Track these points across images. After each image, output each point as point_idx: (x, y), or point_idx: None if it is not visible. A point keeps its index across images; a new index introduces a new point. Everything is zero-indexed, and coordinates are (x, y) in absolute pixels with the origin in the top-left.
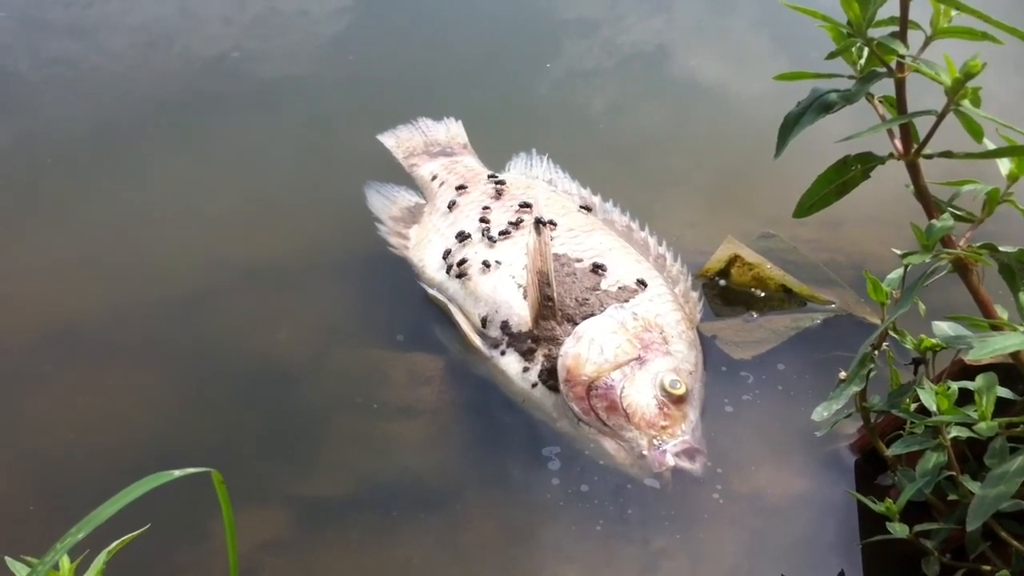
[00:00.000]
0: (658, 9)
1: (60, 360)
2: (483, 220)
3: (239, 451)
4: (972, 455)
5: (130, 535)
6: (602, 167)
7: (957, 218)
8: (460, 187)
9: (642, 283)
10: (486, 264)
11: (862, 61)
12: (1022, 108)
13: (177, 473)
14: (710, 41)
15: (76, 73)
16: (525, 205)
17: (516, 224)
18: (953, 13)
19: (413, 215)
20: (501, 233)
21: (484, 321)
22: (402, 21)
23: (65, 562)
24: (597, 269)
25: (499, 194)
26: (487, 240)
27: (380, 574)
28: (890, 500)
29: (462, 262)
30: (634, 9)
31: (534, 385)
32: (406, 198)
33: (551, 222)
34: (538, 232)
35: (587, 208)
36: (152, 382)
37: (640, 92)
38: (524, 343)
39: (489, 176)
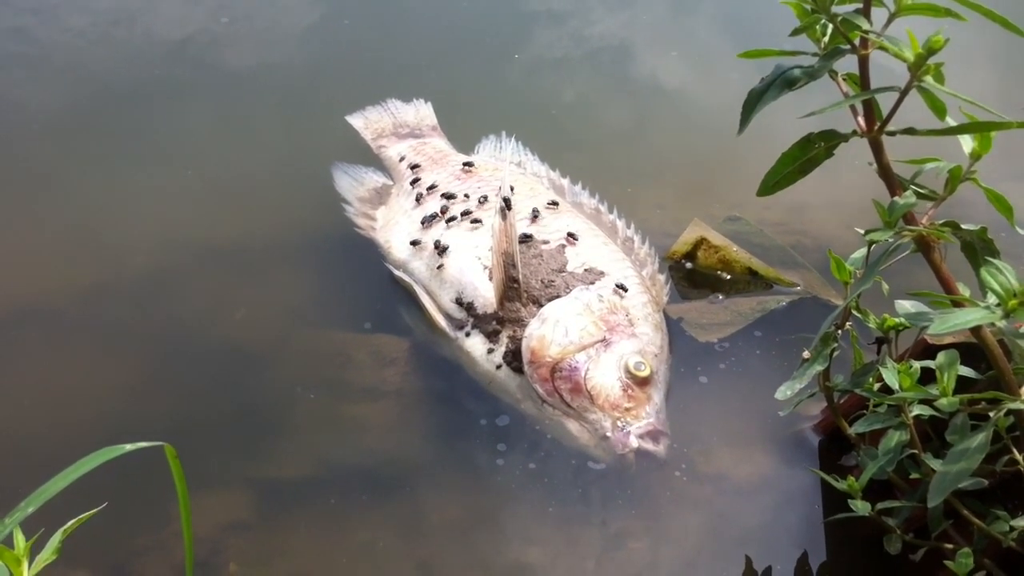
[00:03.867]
0: (625, 4)
1: (19, 339)
2: (447, 197)
3: (201, 433)
4: (935, 434)
5: (86, 514)
6: (571, 152)
7: (920, 196)
8: (414, 166)
9: (622, 287)
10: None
11: (826, 38)
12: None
13: (128, 447)
14: (677, 33)
15: (39, 54)
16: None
17: (481, 202)
18: None
19: (380, 196)
20: (463, 213)
21: (459, 300)
22: (372, 5)
23: (20, 540)
24: (570, 237)
25: (467, 175)
26: (450, 221)
27: (344, 556)
28: (852, 478)
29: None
30: (602, 3)
31: (499, 367)
32: (374, 179)
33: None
34: (503, 213)
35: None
36: (114, 363)
37: (609, 79)
38: (489, 324)
39: (464, 164)
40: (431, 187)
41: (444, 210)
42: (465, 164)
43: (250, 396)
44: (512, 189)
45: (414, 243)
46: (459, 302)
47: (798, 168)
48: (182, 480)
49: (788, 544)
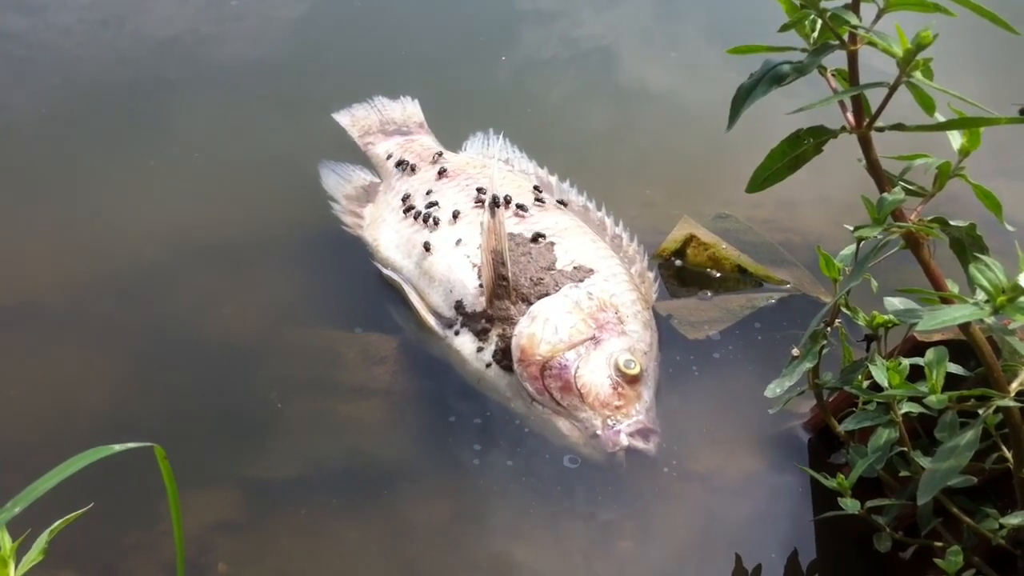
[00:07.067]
0: (614, 3)
1: (9, 335)
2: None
3: (190, 431)
4: (924, 431)
5: (73, 514)
6: (559, 148)
7: (909, 192)
8: (402, 163)
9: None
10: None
11: (815, 34)
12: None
13: (117, 447)
14: (666, 32)
15: (25, 51)
16: (480, 190)
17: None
18: None
19: (368, 194)
20: (455, 214)
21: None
22: (358, 3)
23: (6, 540)
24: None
25: (442, 173)
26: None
27: (334, 555)
28: (842, 476)
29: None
30: (590, 3)
31: (488, 365)
32: (361, 177)
33: (507, 198)
34: (492, 211)
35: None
36: (103, 360)
37: (598, 77)
38: (478, 323)
39: (436, 154)
40: (419, 185)
41: (431, 207)
42: (440, 171)
43: (239, 394)
44: (509, 199)
45: (401, 241)
46: (448, 300)
47: (787, 165)
48: (172, 481)
49: (777, 542)
